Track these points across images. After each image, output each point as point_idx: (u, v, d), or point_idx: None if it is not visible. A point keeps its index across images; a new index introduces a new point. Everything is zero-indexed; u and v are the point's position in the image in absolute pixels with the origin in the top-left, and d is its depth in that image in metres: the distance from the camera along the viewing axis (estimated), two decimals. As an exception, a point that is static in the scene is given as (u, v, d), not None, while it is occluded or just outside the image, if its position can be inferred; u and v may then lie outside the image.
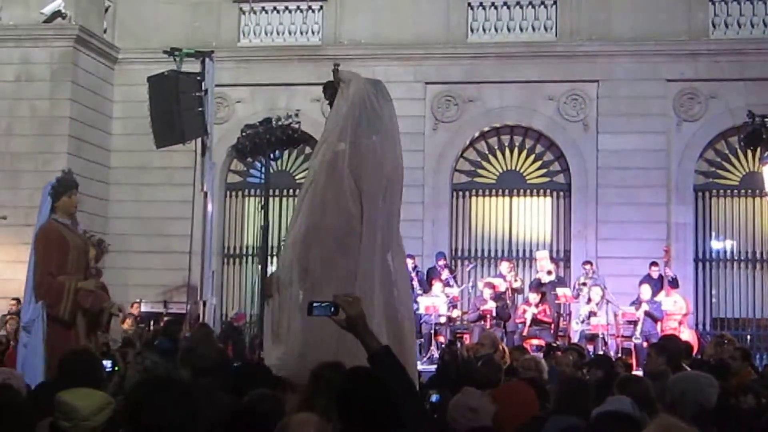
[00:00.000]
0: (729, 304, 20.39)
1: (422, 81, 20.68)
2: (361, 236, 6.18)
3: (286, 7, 22.05)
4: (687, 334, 16.66)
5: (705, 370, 7.87)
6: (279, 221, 20.86)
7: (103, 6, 21.69)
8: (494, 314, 17.36)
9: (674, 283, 17.95)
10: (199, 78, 16.52)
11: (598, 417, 5.24)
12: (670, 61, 20.24)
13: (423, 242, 20.10)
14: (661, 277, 17.95)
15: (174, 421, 3.46)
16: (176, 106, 16.30)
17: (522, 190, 21.25)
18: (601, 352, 15.66)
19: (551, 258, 19.37)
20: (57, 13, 19.96)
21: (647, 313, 17.05)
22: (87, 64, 20.67)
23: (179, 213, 20.63)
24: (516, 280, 18.59)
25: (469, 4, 21.28)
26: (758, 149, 19.19)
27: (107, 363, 6.36)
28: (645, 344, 15.15)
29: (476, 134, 21.25)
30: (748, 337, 19.25)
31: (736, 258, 20.57)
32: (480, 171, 21.42)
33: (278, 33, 22.02)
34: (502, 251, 21.01)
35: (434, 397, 6.73)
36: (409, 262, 15.21)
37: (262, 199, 19.00)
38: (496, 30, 21.29)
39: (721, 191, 20.66)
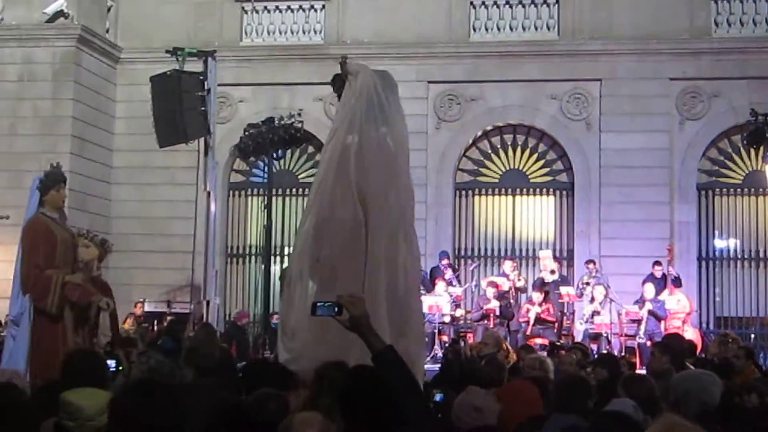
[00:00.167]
0: (732, 303, 20.38)
1: (425, 80, 20.67)
2: (366, 236, 6.18)
3: (289, 7, 22.06)
4: (690, 333, 16.66)
5: (709, 369, 7.86)
6: (282, 221, 20.86)
7: (106, 5, 21.69)
8: (497, 313, 17.38)
9: (677, 282, 17.94)
10: (201, 77, 16.53)
11: (598, 418, 5.24)
12: (673, 59, 20.22)
13: (426, 241, 20.04)
14: (664, 276, 17.95)
15: (161, 425, 3.44)
16: (179, 106, 16.31)
17: (525, 189, 21.25)
18: (604, 351, 15.66)
19: (554, 257, 19.37)
20: (59, 13, 19.97)
21: (651, 312, 17.05)
22: (89, 64, 20.68)
23: (182, 213, 20.61)
24: (519, 279, 18.58)
25: (471, 3, 21.27)
26: (761, 148, 19.16)
27: (111, 363, 6.36)
28: (649, 343, 15.14)
29: (479, 133, 21.25)
30: (752, 335, 19.23)
31: (739, 256, 20.56)
32: (483, 170, 21.42)
33: (281, 32, 22.02)
34: (506, 250, 21.00)
35: (438, 396, 6.73)
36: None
37: (265, 198, 18.98)
38: (498, 29, 21.29)
39: (724, 190, 20.65)
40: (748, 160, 20.40)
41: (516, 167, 21.30)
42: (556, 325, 17.62)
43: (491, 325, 16.91)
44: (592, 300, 17.53)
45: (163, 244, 20.82)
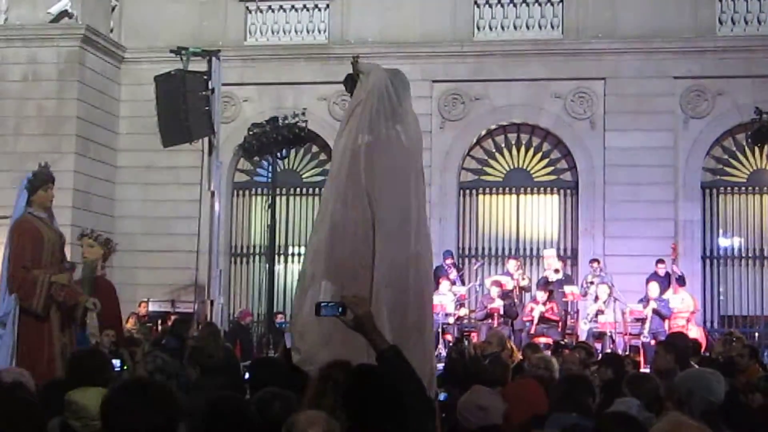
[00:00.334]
0: (737, 302, 20.36)
1: (429, 79, 20.65)
2: (375, 237, 6.16)
3: (293, 6, 22.06)
4: (695, 332, 16.63)
5: (713, 368, 7.85)
6: (286, 220, 20.91)
7: (110, 5, 21.72)
8: (501, 312, 17.37)
9: (681, 281, 17.93)
10: (205, 77, 16.54)
11: (602, 419, 5.24)
12: (677, 58, 20.20)
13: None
14: (668, 274, 17.94)
15: (153, 424, 3.43)
16: (183, 105, 16.32)
17: (529, 188, 21.24)
18: (609, 350, 15.65)
19: (558, 256, 19.37)
20: (64, 13, 19.98)
21: (655, 311, 17.02)
22: (94, 64, 20.70)
23: (186, 212, 20.68)
24: (523, 279, 18.58)
25: (475, 2, 21.26)
26: (765, 146, 19.22)
27: (116, 362, 6.37)
28: (653, 342, 15.13)
29: (483, 132, 21.25)
30: (756, 334, 19.21)
31: (743, 255, 20.54)
32: (487, 169, 21.41)
33: (285, 32, 22.03)
34: (510, 249, 21.00)
35: (442, 396, 6.73)
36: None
37: (269, 197, 19.03)
38: (502, 28, 21.28)
39: (729, 188, 20.62)
40: (753, 159, 20.38)
41: (520, 166, 21.29)
42: (560, 324, 17.62)
43: (495, 325, 16.89)
44: (596, 299, 17.51)
45: (167, 244, 20.84)
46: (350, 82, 6.57)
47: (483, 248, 21.26)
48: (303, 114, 19.55)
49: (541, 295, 17.65)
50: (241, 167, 22.10)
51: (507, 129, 21.32)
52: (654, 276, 17.89)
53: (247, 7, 22.08)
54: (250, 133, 19.39)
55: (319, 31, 21.88)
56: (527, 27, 21.21)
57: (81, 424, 4.80)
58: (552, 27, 21.11)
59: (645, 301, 17.31)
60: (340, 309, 4.52)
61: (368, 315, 4.48)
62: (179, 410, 3.55)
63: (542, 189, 21.23)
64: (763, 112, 18.01)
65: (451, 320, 17.70)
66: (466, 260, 20.83)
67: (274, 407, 4.97)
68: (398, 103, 6.36)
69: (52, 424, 4.78)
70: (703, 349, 14.41)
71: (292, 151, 21.08)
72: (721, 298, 20.45)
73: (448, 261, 18.86)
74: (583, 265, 19.73)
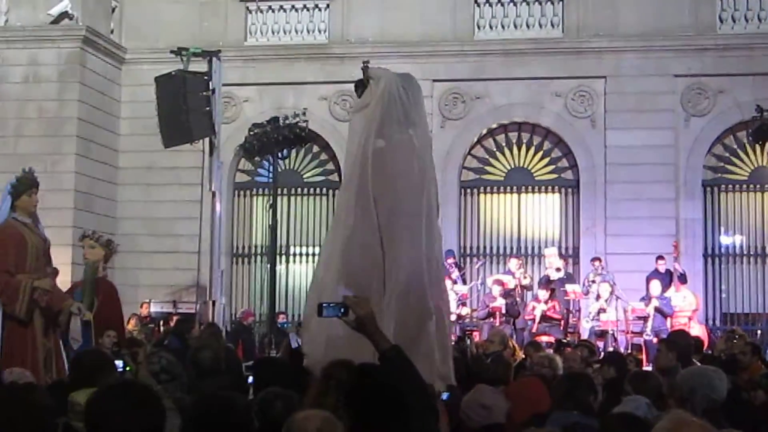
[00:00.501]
0: (738, 299, 20.36)
1: (429, 78, 20.60)
2: (382, 243, 6.17)
3: (293, 6, 22.05)
4: (697, 330, 16.64)
5: (715, 365, 7.85)
6: (287, 220, 20.91)
7: (110, 6, 21.72)
8: (503, 311, 17.37)
9: (683, 279, 17.93)
10: (206, 77, 16.52)
11: (606, 420, 5.24)
12: (678, 56, 20.19)
13: (431, 240, 20.05)
14: (668, 270, 17.95)
15: (133, 428, 3.41)
16: (184, 106, 16.31)
17: (530, 187, 21.24)
18: (611, 349, 15.65)
19: (560, 255, 19.34)
20: (64, 14, 19.97)
21: (657, 309, 17.01)
22: (94, 65, 20.70)
23: (187, 213, 20.69)
24: (525, 277, 18.58)
25: (475, 1, 21.26)
26: (766, 144, 19.16)
27: (119, 363, 6.37)
28: (655, 340, 15.11)
29: (484, 131, 21.25)
30: (758, 331, 19.19)
31: (745, 253, 20.53)
32: (488, 168, 21.41)
33: (285, 32, 22.02)
34: (511, 248, 21.00)
35: (444, 395, 6.73)
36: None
37: (271, 198, 19.02)
38: (502, 27, 21.27)
39: (730, 186, 20.61)
40: (754, 156, 20.38)
41: (521, 165, 21.29)
42: (562, 322, 17.61)
43: (497, 323, 16.89)
44: (598, 297, 17.51)
45: (169, 245, 20.85)
46: (361, 88, 6.57)
47: (484, 247, 21.25)
48: (304, 114, 19.54)
49: (543, 294, 17.64)
50: (242, 167, 22.10)
51: (508, 128, 21.32)
52: (654, 273, 17.89)
53: (248, 8, 22.08)
54: (251, 133, 19.38)
55: (320, 31, 21.88)
56: (527, 26, 21.21)
57: (83, 426, 4.79)
58: (552, 26, 21.11)
59: (647, 299, 17.30)
60: (341, 310, 4.52)
61: (370, 315, 4.49)
62: (163, 412, 3.54)
63: (543, 188, 21.23)
64: (764, 110, 18.00)
65: (452, 319, 17.68)
66: (468, 259, 20.82)
67: (276, 407, 4.97)
68: (411, 106, 6.37)
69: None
70: (705, 347, 14.43)
71: (293, 151, 21.07)
72: (723, 295, 20.45)
73: (450, 260, 18.84)
74: (584, 263, 19.73)
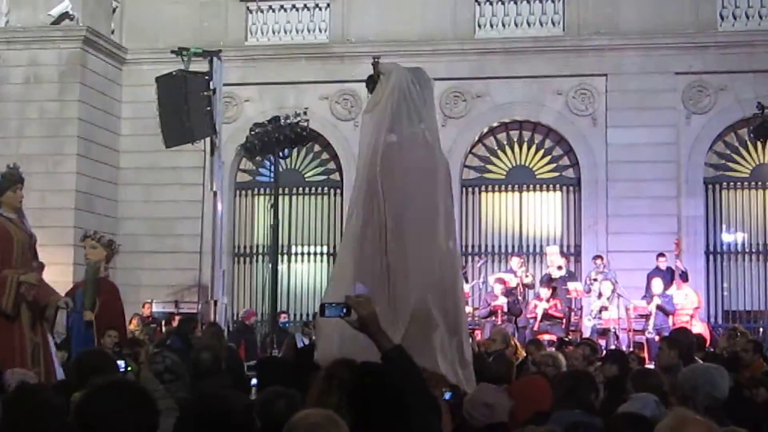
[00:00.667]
0: (740, 297, 20.35)
1: (430, 77, 20.59)
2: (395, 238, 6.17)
3: (294, 6, 22.05)
4: (699, 327, 16.62)
5: (717, 363, 7.85)
6: (289, 220, 20.91)
7: (111, 7, 21.71)
8: (505, 310, 17.35)
9: (685, 277, 17.92)
10: (207, 77, 16.55)
11: (610, 419, 5.23)
12: (679, 53, 20.18)
13: (433, 239, 20.03)
14: (670, 268, 17.94)
15: (125, 427, 3.41)
16: (185, 106, 16.33)
17: (531, 186, 21.24)
18: (613, 347, 15.64)
19: (561, 253, 19.34)
20: (64, 15, 19.97)
21: (659, 307, 17.00)
22: (95, 65, 20.70)
23: (189, 213, 20.70)
24: (527, 276, 18.56)
25: (476, -1, 21.29)
26: (768, 141, 19.15)
27: (120, 363, 6.37)
28: (657, 338, 15.10)
29: (485, 130, 21.24)
30: (760, 329, 19.19)
31: (747, 250, 20.52)
32: (489, 167, 21.41)
33: (285, 31, 22.02)
34: (513, 247, 20.99)
35: (447, 395, 6.73)
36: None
37: (272, 197, 19.02)
38: (503, 25, 21.26)
39: (732, 183, 20.60)
40: (755, 154, 20.37)
41: (522, 163, 21.29)
42: (564, 320, 17.59)
43: (499, 322, 16.88)
44: (600, 295, 17.50)
45: (170, 245, 20.86)
46: (371, 84, 6.57)
47: (486, 246, 21.25)
48: (305, 113, 19.53)
49: (545, 292, 17.63)
50: (243, 167, 22.10)
51: (509, 126, 21.32)
52: (656, 271, 17.89)
53: (248, 7, 22.08)
54: (252, 132, 19.37)
55: (320, 31, 21.87)
56: (528, 24, 21.20)
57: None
58: (553, 24, 21.10)
59: (648, 297, 17.29)
60: (344, 310, 4.52)
61: (372, 315, 4.48)
62: (156, 411, 3.53)
63: (545, 186, 21.22)
64: (765, 107, 17.97)
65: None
66: (469, 258, 20.81)
67: (278, 406, 4.97)
68: (422, 101, 6.37)
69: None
70: (707, 345, 14.40)
71: (294, 151, 21.05)
72: (725, 293, 20.44)
73: (451, 259, 18.83)
74: (586, 261, 19.73)
